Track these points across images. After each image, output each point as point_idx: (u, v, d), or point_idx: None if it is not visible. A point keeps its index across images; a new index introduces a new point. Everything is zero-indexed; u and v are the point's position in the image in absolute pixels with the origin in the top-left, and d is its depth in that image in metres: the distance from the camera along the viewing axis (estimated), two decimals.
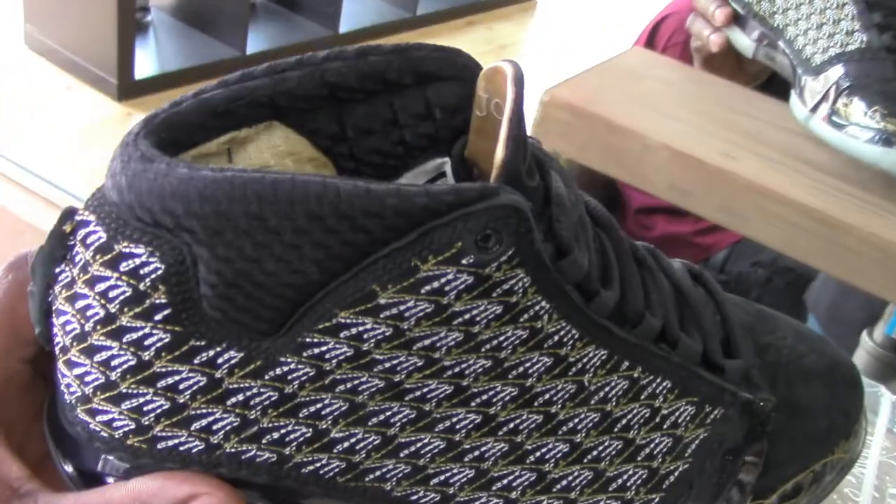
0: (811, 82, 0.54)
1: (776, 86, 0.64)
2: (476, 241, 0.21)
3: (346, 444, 0.24)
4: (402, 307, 0.22)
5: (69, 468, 0.26)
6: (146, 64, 2.01)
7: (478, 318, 0.23)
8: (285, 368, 0.23)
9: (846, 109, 0.52)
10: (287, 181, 0.20)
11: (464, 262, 0.22)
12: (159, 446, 0.24)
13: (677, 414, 0.28)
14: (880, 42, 0.51)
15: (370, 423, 0.24)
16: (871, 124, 0.50)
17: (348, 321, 0.22)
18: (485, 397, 0.25)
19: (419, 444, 0.25)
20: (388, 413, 0.24)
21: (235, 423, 0.23)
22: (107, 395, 0.23)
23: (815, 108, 0.54)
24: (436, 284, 0.22)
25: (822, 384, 0.32)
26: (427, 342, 0.23)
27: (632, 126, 0.52)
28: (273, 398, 0.23)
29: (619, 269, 0.26)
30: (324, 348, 0.23)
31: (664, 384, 0.27)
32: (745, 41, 0.65)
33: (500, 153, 0.22)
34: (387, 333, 0.22)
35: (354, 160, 0.26)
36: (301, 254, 0.21)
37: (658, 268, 0.29)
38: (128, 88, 1.90)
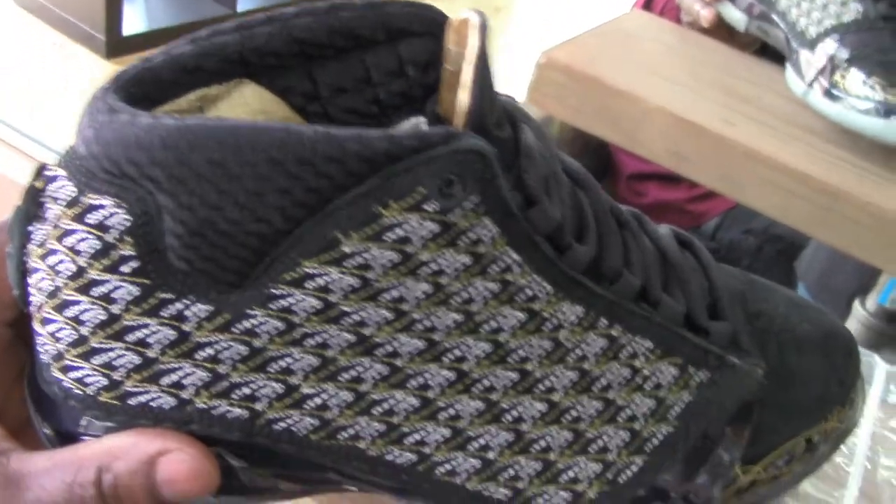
0: (807, 55, 0.53)
1: (771, 52, 0.63)
2: (439, 187, 0.21)
3: (317, 401, 0.24)
4: (366, 256, 0.22)
5: (48, 431, 0.26)
6: (135, 21, 1.97)
7: (446, 269, 0.23)
8: (253, 322, 0.23)
9: (844, 82, 0.51)
10: (247, 127, 0.20)
11: (427, 208, 0.21)
12: (131, 402, 0.24)
13: (660, 375, 0.27)
14: (876, 11, 0.50)
15: (342, 379, 0.24)
16: (871, 96, 0.50)
17: (314, 271, 0.22)
18: (458, 353, 0.24)
19: (392, 402, 0.25)
20: (359, 369, 0.24)
21: (205, 378, 0.23)
22: (78, 350, 0.23)
23: (812, 82, 0.53)
24: (400, 232, 0.22)
25: (816, 352, 0.32)
26: (395, 293, 0.23)
27: (629, 89, 0.51)
28: (242, 352, 0.23)
29: (597, 227, 0.26)
30: (291, 300, 0.22)
31: (645, 344, 0.27)
32: (736, 14, 0.64)
33: (464, 100, 0.22)
34: (353, 284, 0.22)
35: (329, 119, 0.26)
36: (264, 201, 0.21)
37: (642, 231, 0.29)
38: (116, 45, 1.86)
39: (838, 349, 0.32)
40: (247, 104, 0.25)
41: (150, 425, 0.24)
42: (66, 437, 0.25)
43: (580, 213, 0.26)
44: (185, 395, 0.23)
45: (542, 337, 0.25)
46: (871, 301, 0.81)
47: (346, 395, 0.24)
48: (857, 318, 0.81)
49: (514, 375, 0.25)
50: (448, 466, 0.26)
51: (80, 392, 0.24)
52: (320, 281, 0.22)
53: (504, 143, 0.23)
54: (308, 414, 0.24)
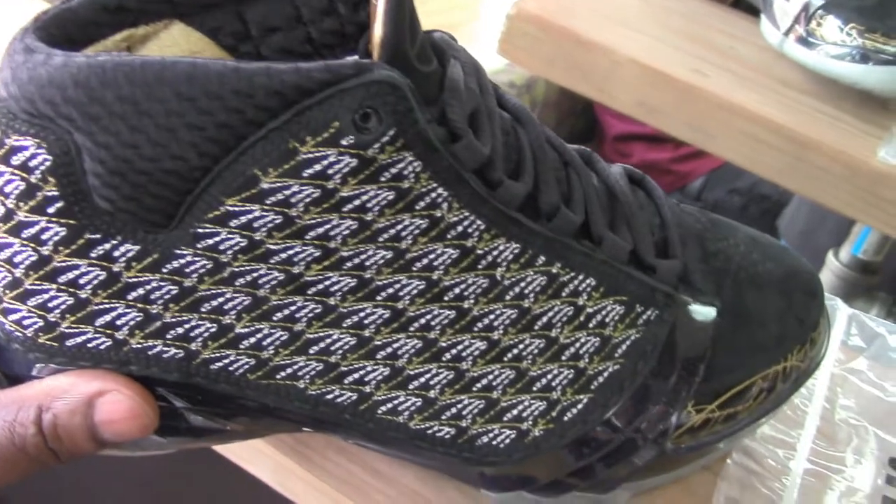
0: (782, 3, 0.52)
1: (746, 5, 0.62)
2: (354, 121, 0.21)
3: (252, 340, 0.24)
4: (286, 192, 0.22)
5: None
6: None
7: (369, 205, 0.23)
8: (182, 261, 0.23)
9: (820, 29, 0.50)
10: (156, 62, 0.20)
11: (343, 142, 0.21)
12: (69, 343, 0.24)
13: (604, 313, 0.27)
14: None
15: (275, 319, 0.24)
16: (848, 42, 0.49)
17: (236, 209, 0.22)
18: (390, 291, 0.24)
19: (328, 341, 0.25)
20: (292, 308, 0.24)
21: (138, 318, 0.23)
22: (15, 293, 0.24)
23: (788, 31, 0.52)
24: (318, 167, 0.22)
25: (775, 291, 0.31)
26: (320, 230, 0.23)
27: (601, 40, 0.50)
28: (173, 292, 0.23)
29: (534, 164, 0.26)
30: (217, 239, 0.23)
31: (588, 282, 0.27)
32: None
33: (378, 31, 0.21)
34: (276, 221, 0.22)
35: (262, 59, 0.26)
36: (176, 137, 0.21)
37: (590, 168, 0.29)
38: None
39: (799, 288, 0.32)
40: (176, 44, 0.25)
41: (91, 366, 0.24)
42: (18, 381, 0.26)
43: (516, 149, 0.26)
44: (119, 335, 0.24)
45: (478, 274, 0.25)
46: (845, 252, 0.80)
47: (281, 335, 0.24)
48: (831, 270, 0.80)
49: (450, 313, 0.25)
50: (390, 405, 0.26)
51: (21, 334, 0.24)
52: (243, 219, 0.22)
53: (428, 77, 0.23)
54: (244, 353, 0.24)
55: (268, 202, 0.22)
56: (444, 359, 0.26)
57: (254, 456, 0.32)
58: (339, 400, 0.26)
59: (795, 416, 0.33)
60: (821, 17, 0.50)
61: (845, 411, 0.34)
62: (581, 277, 0.26)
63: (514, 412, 0.27)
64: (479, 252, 0.25)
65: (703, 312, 0.29)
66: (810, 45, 0.50)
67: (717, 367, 0.29)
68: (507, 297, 0.25)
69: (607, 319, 0.27)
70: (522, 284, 0.26)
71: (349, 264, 0.23)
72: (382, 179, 0.22)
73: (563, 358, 0.27)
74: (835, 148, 0.47)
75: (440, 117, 0.23)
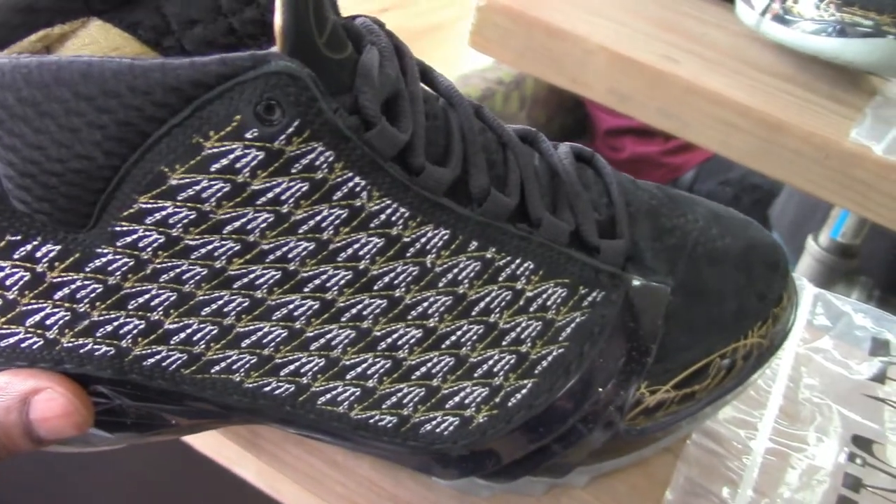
0: None
1: None
2: (257, 113, 0.21)
3: (182, 336, 0.24)
4: (196, 188, 0.22)
5: None
6: None
7: (283, 197, 0.22)
8: (104, 260, 0.23)
9: (797, 6, 0.49)
10: (52, 62, 0.20)
11: (248, 136, 0.21)
12: (2, 344, 0.24)
13: (545, 296, 0.27)
14: None
15: (203, 314, 0.24)
16: (825, 17, 0.48)
17: (149, 206, 0.22)
18: (317, 282, 0.24)
19: (259, 334, 0.25)
20: (219, 302, 0.24)
21: (67, 318, 0.24)
22: None
23: (764, 11, 0.51)
24: (225, 162, 0.21)
25: (734, 266, 0.31)
26: (236, 224, 0.23)
27: (571, 30, 0.50)
28: (98, 290, 0.23)
29: (464, 146, 0.25)
30: (135, 236, 0.22)
31: (525, 265, 0.26)
32: None
33: (277, 20, 0.21)
34: (191, 217, 0.22)
35: (186, 54, 0.25)
36: (79, 137, 0.21)
37: (529, 149, 0.28)
38: None
39: (759, 261, 0.31)
40: (95, 42, 0.24)
41: (27, 366, 0.25)
42: None
43: (445, 133, 0.25)
44: (50, 335, 0.24)
45: (407, 263, 0.25)
46: (824, 236, 0.79)
47: (211, 329, 0.24)
48: (811, 254, 0.79)
49: (381, 303, 0.25)
50: (329, 396, 0.26)
51: None
52: (158, 216, 0.22)
53: (340, 65, 0.23)
54: (175, 349, 0.24)
55: (179, 198, 0.22)
56: (379, 348, 0.25)
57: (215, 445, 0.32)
58: (277, 392, 0.26)
59: (758, 396, 0.32)
60: None
61: (809, 390, 0.33)
62: (518, 261, 0.26)
63: (457, 399, 0.26)
64: (406, 240, 0.24)
65: (655, 291, 0.28)
66: (787, 22, 0.49)
67: (671, 346, 0.29)
68: (441, 285, 0.25)
69: (549, 303, 0.27)
70: (455, 271, 0.25)
71: (271, 257, 0.23)
72: (294, 171, 0.22)
73: (504, 343, 0.26)
74: (807, 130, 0.46)
75: (353, 105, 0.23)
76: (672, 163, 1.31)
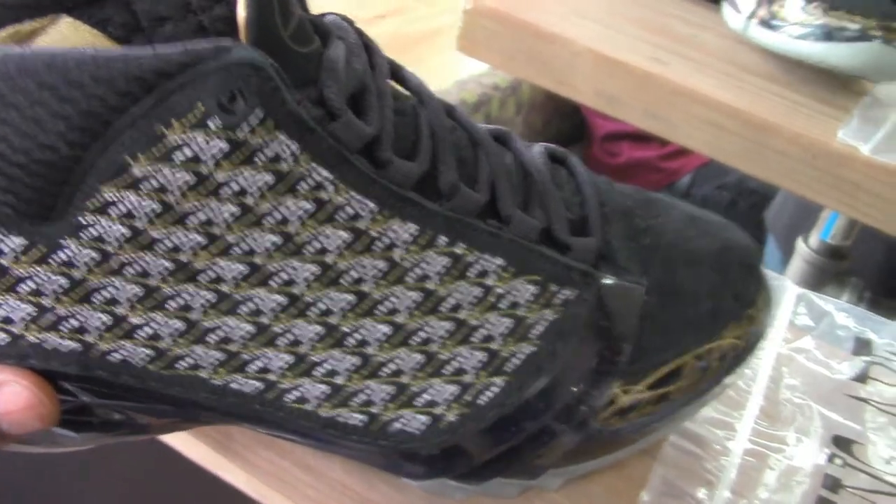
0: None
1: None
2: (220, 103, 0.21)
3: (148, 330, 0.24)
4: (160, 179, 0.22)
5: None
6: None
7: (248, 189, 0.22)
8: (69, 252, 0.23)
9: (783, 10, 0.49)
10: (17, 54, 0.20)
11: (211, 125, 0.21)
12: None
13: (516, 293, 0.26)
14: None
15: (170, 308, 0.24)
16: (812, 21, 0.48)
17: (113, 197, 0.22)
18: (284, 276, 0.24)
19: (226, 329, 0.24)
20: (185, 296, 0.24)
21: (32, 312, 0.23)
22: None
23: (751, 15, 0.51)
24: (188, 152, 0.21)
25: (709, 267, 0.31)
26: (202, 216, 0.22)
27: (559, 32, 0.50)
28: (63, 284, 0.23)
29: (433, 143, 0.25)
30: (99, 229, 0.22)
31: (495, 261, 0.26)
32: None
33: (241, 12, 0.21)
34: (155, 208, 0.22)
35: None
36: (43, 126, 0.21)
37: (502, 148, 0.28)
38: None
39: (734, 263, 0.31)
40: (66, 39, 0.24)
41: None
42: None
43: (414, 129, 0.25)
44: (15, 329, 0.24)
45: (375, 257, 0.25)
46: (814, 238, 0.79)
47: (177, 324, 0.24)
48: (802, 256, 0.79)
49: (350, 297, 0.25)
50: (297, 393, 0.26)
51: None
52: (122, 207, 0.22)
53: (306, 58, 0.23)
54: (141, 344, 0.24)
55: (142, 189, 0.22)
56: (347, 344, 0.25)
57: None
58: (245, 389, 0.25)
59: (738, 396, 0.32)
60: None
61: (790, 391, 0.33)
62: (488, 257, 0.26)
63: (427, 397, 0.26)
64: (374, 234, 0.24)
65: (629, 291, 0.28)
66: (773, 27, 0.50)
67: (645, 346, 0.29)
68: (409, 280, 0.25)
69: (520, 300, 0.27)
70: (424, 266, 0.25)
71: (238, 250, 0.23)
72: (258, 162, 0.22)
73: (474, 340, 0.26)
74: (794, 131, 0.46)
75: (318, 97, 0.23)
76: (669, 167, 1.32)
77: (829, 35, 0.47)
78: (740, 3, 0.53)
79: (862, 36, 0.47)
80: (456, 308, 0.26)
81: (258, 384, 0.25)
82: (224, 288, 0.24)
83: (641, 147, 1.30)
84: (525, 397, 0.27)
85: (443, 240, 0.25)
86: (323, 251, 0.24)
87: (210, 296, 0.24)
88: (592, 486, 0.30)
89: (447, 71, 1.12)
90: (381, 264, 0.25)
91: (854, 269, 0.81)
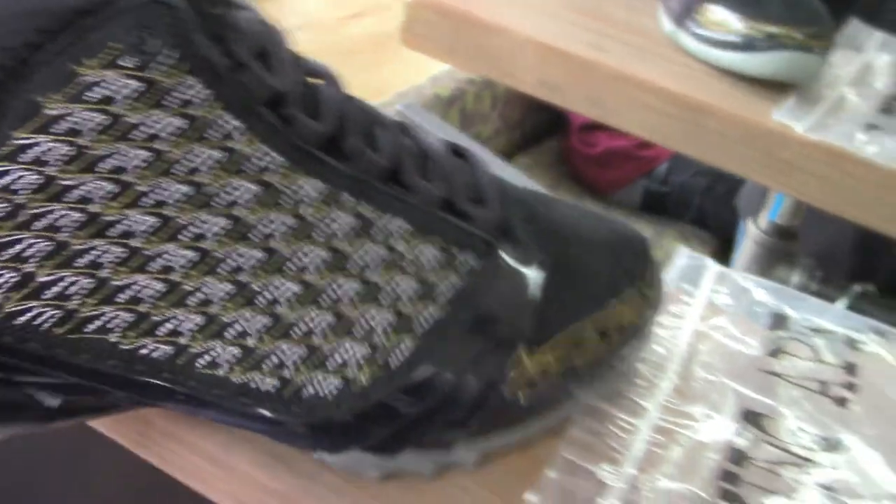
0: None
1: None
2: (133, 42, 0.22)
3: (56, 289, 0.24)
4: (72, 120, 0.22)
5: None
6: None
7: (160, 133, 0.23)
8: None
9: (705, 18, 0.53)
10: None
11: (123, 63, 0.22)
12: None
13: (421, 256, 0.28)
14: None
15: (78, 264, 0.24)
16: (732, 31, 0.52)
17: (25, 142, 0.23)
18: (194, 230, 0.25)
19: (136, 287, 0.25)
20: (95, 252, 0.24)
21: None
22: None
23: (679, 23, 0.55)
24: (101, 91, 0.22)
25: (601, 248, 0.33)
26: (113, 162, 0.23)
27: (500, 22, 0.52)
28: None
29: (339, 111, 0.27)
30: (8, 179, 0.23)
31: (399, 223, 0.27)
32: None
33: None
34: (67, 153, 0.23)
35: None
36: None
37: (404, 134, 0.30)
38: None
39: (626, 247, 0.33)
40: None
41: None
42: None
43: (316, 97, 0.27)
44: None
45: (283, 212, 0.26)
46: (763, 219, 0.82)
47: (86, 282, 0.24)
48: (752, 238, 0.82)
49: (259, 254, 0.25)
50: (208, 357, 0.26)
51: None
52: (32, 153, 0.23)
53: (215, 19, 0.24)
54: (49, 305, 0.24)
55: (54, 131, 0.22)
56: (258, 302, 0.26)
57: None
58: (154, 355, 0.25)
59: (651, 375, 0.33)
60: (706, 6, 0.53)
61: (704, 368, 0.34)
62: (392, 218, 0.27)
63: (338, 358, 0.27)
64: (281, 188, 0.25)
65: (529, 260, 0.30)
66: (698, 36, 0.54)
67: (546, 314, 0.30)
68: (316, 237, 0.26)
69: (425, 263, 0.28)
70: (330, 223, 0.26)
71: (148, 201, 0.24)
72: (168, 104, 0.23)
73: (383, 301, 0.27)
74: (730, 112, 0.49)
75: (226, 51, 0.24)
76: (646, 156, 1.36)
77: (748, 46, 0.51)
78: (673, 6, 0.57)
79: (779, 45, 0.51)
80: (363, 268, 0.27)
81: (168, 349, 0.25)
82: (133, 242, 0.24)
83: (617, 137, 1.34)
84: (434, 360, 0.28)
85: (348, 198, 0.26)
86: (233, 204, 0.25)
87: (119, 251, 0.24)
88: (500, 465, 0.30)
89: (422, 67, 1.13)
90: (290, 220, 0.26)
91: (806, 250, 0.82)
